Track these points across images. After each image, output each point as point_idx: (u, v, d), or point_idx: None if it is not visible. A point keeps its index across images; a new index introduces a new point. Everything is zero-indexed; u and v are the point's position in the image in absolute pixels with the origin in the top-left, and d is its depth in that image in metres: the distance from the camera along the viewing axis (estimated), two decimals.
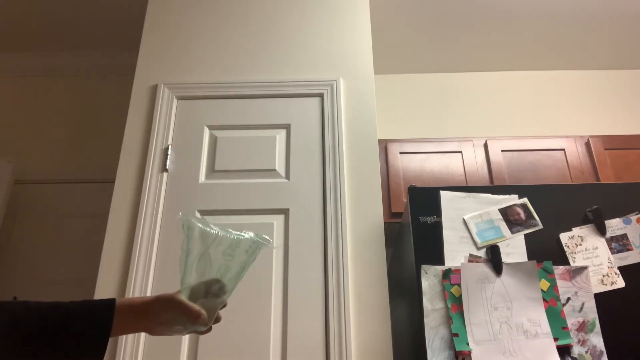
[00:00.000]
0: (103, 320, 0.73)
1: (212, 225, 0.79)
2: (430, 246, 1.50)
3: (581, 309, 1.39)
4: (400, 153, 2.34)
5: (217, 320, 0.80)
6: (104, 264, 1.74)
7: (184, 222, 0.79)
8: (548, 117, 2.97)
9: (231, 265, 0.78)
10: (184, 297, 0.77)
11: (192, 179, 1.88)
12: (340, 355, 1.58)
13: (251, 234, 0.80)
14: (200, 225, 0.78)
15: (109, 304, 0.75)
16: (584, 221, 1.52)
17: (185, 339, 1.63)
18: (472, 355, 1.33)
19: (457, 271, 1.44)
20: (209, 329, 0.80)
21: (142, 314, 0.77)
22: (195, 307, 0.76)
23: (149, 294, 1.69)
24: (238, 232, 0.80)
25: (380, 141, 2.34)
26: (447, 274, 1.44)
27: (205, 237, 0.78)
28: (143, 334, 1.63)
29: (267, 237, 0.81)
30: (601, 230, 1.50)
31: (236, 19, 2.22)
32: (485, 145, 2.36)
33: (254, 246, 0.79)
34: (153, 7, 2.25)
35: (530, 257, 1.47)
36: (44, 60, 3.02)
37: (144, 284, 1.69)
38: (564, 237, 1.50)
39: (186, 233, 0.78)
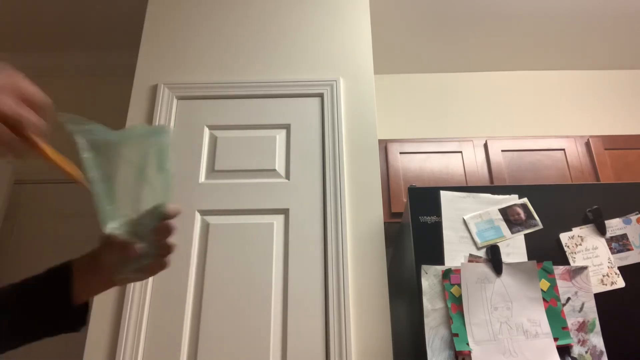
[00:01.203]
0: (62, 281, 0.67)
1: (99, 128, 0.60)
2: (430, 246, 1.50)
3: (581, 309, 1.39)
4: (400, 153, 2.34)
5: (170, 249, 0.65)
6: None
7: (72, 129, 0.58)
8: (548, 117, 2.97)
9: (167, 178, 0.62)
10: (118, 233, 0.62)
11: (192, 179, 1.88)
12: (340, 356, 1.58)
13: (146, 126, 0.63)
14: (95, 130, 0.60)
15: (66, 264, 0.70)
16: (584, 221, 1.52)
17: (185, 339, 1.63)
18: (472, 355, 1.33)
19: (457, 271, 1.44)
20: (162, 263, 0.65)
21: (95, 264, 0.68)
22: (127, 240, 0.62)
23: (149, 291, 1.69)
24: (131, 131, 0.62)
25: (380, 141, 2.34)
26: (447, 274, 1.44)
27: (117, 149, 0.61)
28: (143, 335, 1.63)
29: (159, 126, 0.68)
30: (601, 230, 1.50)
31: (236, 19, 2.22)
32: (485, 145, 2.36)
33: (160, 140, 0.63)
34: (153, 7, 2.25)
35: (530, 257, 1.47)
36: (44, 60, 3.01)
37: (144, 283, 1.69)
38: (564, 237, 1.50)
39: (84, 143, 0.58)
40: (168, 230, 0.63)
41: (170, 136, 0.63)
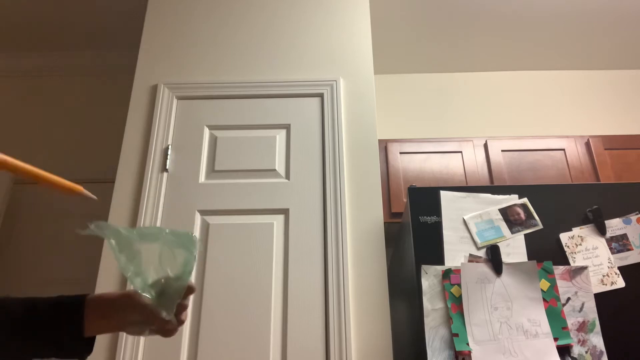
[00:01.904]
0: (73, 316, 0.69)
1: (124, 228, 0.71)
2: (430, 246, 1.50)
3: (581, 309, 1.40)
4: (400, 153, 2.34)
5: (182, 322, 0.73)
6: (104, 264, 1.74)
7: (102, 232, 0.68)
8: (548, 117, 2.97)
9: (190, 258, 0.71)
10: (148, 299, 0.69)
11: (192, 179, 1.88)
12: (340, 355, 1.58)
13: (175, 234, 0.73)
14: (121, 228, 0.70)
15: (79, 300, 0.70)
16: (584, 221, 1.52)
17: (185, 339, 1.63)
18: (472, 355, 1.33)
19: (457, 271, 1.44)
20: (172, 332, 0.72)
21: (109, 310, 0.71)
22: (162, 312, 0.69)
23: None
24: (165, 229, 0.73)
25: (380, 141, 2.34)
26: (447, 274, 1.44)
27: (146, 236, 0.71)
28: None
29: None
30: (601, 230, 1.50)
31: (236, 19, 2.22)
32: (485, 145, 2.36)
33: (194, 243, 0.72)
34: (153, 7, 2.25)
35: (530, 257, 1.47)
36: (44, 60, 3.01)
37: None
38: (564, 237, 1.50)
39: (115, 237, 0.68)
40: (185, 308, 0.73)
41: (197, 247, 0.73)
